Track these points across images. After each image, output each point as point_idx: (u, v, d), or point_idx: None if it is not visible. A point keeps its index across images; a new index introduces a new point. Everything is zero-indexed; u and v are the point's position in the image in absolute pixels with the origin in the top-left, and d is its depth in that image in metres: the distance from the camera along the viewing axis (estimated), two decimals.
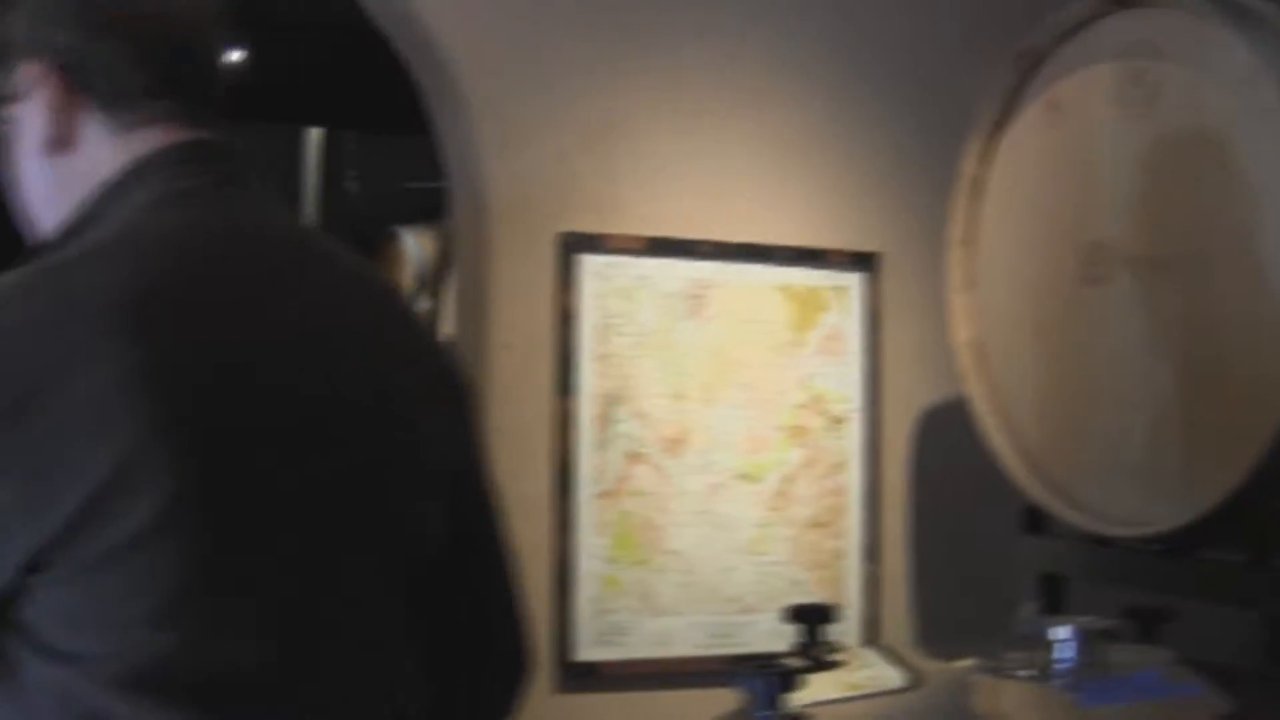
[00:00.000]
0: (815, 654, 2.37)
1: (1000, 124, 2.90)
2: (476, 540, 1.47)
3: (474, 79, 3.02)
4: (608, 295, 3.04)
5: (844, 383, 3.22)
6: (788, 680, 2.14)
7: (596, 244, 3.03)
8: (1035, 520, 2.91)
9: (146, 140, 1.33)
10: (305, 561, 1.27)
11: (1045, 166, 2.85)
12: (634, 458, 3.04)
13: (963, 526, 3.32)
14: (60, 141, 1.34)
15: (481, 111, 3.02)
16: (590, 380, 3.01)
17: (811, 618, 2.38)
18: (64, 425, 1.16)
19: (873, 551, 3.23)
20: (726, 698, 3.14)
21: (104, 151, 1.33)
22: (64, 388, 1.16)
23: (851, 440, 3.22)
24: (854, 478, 3.22)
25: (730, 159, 3.18)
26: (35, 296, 1.21)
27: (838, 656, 2.40)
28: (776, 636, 3.13)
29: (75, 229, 1.32)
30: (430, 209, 4.98)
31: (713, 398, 3.11)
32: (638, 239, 3.07)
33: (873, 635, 3.17)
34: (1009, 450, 2.84)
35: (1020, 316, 2.89)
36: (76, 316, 1.19)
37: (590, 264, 3.02)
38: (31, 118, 1.35)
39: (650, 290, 3.07)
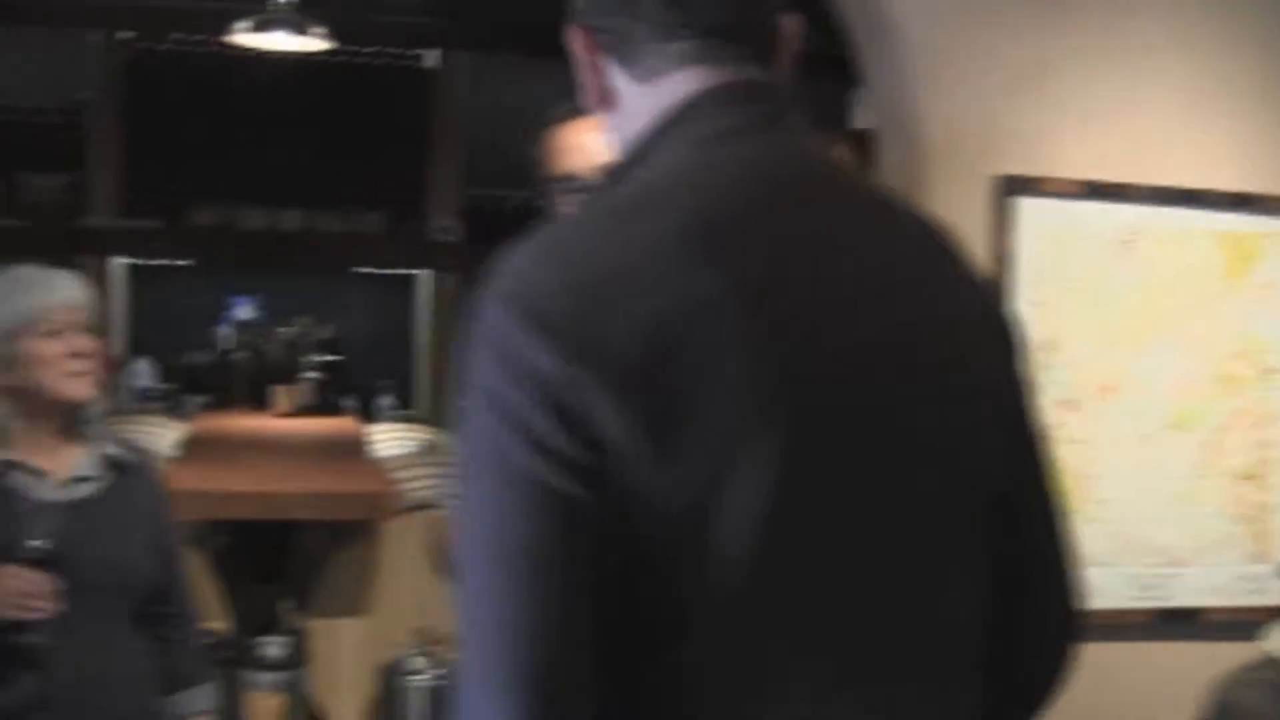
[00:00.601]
0: None
1: None
2: (1026, 494, 1.39)
3: (908, 19, 2.98)
4: (1042, 239, 2.98)
5: (1277, 333, 3.12)
6: None
7: (1034, 187, 2.97)
8: None
9: (677, 86, 1.31)
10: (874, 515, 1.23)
11: None
12: (1067, 405, 2.98)
13: None
14: (604, 98, 1.35)
15: (915, 52, 2.99)
16: (1025, 325, 2.95)
17: None
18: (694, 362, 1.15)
19: None
20: (1153, 651, 3.09)
21: (637, 102, 1.33)
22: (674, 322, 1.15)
23: None
24: None
25: (1164, 101, 3.09)
26: (610, 234, 1.21)
27: None
28: (1205, 591, 3.08)
29: (618, 175, 1.32)
30: None
31: (1144, 345, 3.03)
32: (1074, 182, 3.00)
33: None
34: None
35: None
36: (665, 247, 1.18)
37: (1027, 207, 2.96)
38: (584, 79, 1.36)
39: (1084, 235, 3.00)
